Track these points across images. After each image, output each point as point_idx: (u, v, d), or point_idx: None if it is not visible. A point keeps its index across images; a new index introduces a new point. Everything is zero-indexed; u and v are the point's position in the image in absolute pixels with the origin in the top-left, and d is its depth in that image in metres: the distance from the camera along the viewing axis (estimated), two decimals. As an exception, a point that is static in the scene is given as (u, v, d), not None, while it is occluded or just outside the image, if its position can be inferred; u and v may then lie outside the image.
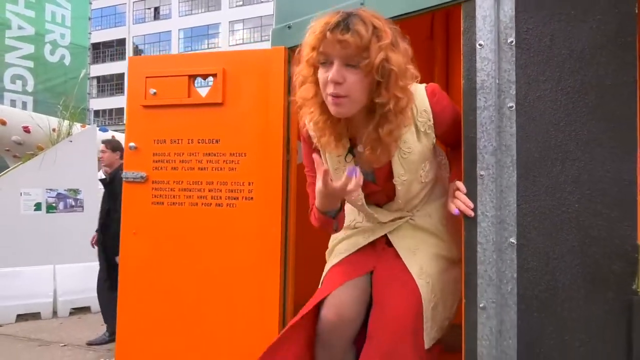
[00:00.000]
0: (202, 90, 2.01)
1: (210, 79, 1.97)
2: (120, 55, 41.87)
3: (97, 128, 8.02)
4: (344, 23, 1.15)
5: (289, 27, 1.89)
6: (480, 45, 1.37)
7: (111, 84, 42.02)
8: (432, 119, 1.34)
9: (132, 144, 2.01)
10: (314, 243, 2.56)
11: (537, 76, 1.35)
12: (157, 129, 2.00)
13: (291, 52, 1.90)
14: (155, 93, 1.98)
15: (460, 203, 1.35)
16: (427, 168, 1.41)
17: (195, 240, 1.96)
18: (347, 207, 1.55)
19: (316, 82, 1.23)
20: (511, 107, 1.34)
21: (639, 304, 1.33)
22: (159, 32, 40.87)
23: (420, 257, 1.44)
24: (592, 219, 1.35)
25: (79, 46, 12.32)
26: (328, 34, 1.14)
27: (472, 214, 1.33)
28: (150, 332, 2.00)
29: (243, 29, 38.28)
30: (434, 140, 1.40)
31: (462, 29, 1.41)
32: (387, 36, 1.18)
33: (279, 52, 1.87)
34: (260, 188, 1.89)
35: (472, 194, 1.38)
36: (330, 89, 1.17)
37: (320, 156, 1.34)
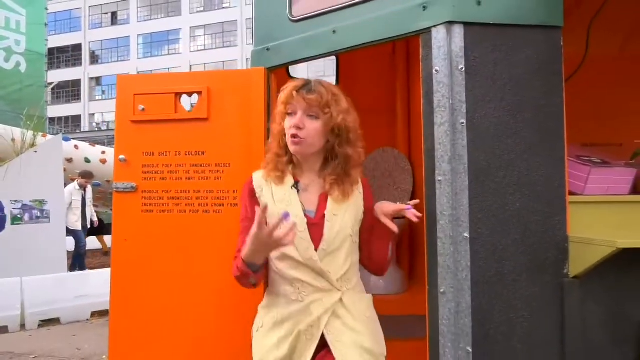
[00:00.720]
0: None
1: (195, 96, 2.15)
2: (76, 61, 40.67)
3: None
4: (308, 85, 1.47)
5: (268, 50, 2.09)
6: (436, 71, 1.62)
7: (67, 91, 40.74)
8: (362, 194, 1.58)
9: (122, 156, 2.15)
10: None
11: (483, 97, 1.61)
12: (145, 142, 2.15)
13: (269, 72, 2.10)
14: (143, 109, 2.14)
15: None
16: (356, 229, 1.53)
17: (184, 244, 2.12)
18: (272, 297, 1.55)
19: (281, 131, 1.52)
20: (462, 123, 1.59)
21: (569, 285, 1.61)
22: (117, 38, 39.95)
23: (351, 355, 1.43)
24: (531, 216, 1.62)
25: (36, 53, 11.99)
26: (294, 93, 1.46)
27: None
28: (142, 336, 2.13)
29: (204, 34, 37.97)
30: (362, 214, 1.55)
31: (420, 56, 1.66)
32: (344, 103, 1.50)
33: (259, 72, 2.07)
34: (244, 195, 2.07)
35: (431, 197, 1.62)
36: (292, 131, 1.45)
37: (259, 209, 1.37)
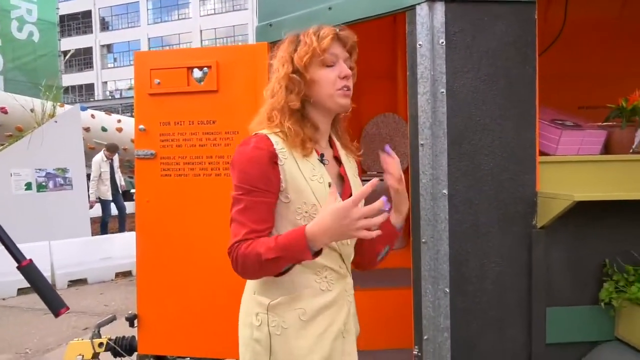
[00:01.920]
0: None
1: (205, 70, 2.36)
2: (86, 29, 40.62)
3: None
4: (344, 32, 1.31)
5: (270, 25, 2.28)
6: (419, 45, 1.80)
7: (79, 59, 40.89)
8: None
9: (141, 126, 2.39)
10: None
11: (461, 68, 1.79)
12: (162, 113, 2.38)
13: (273, 46, 2.29)
14: (159, 83, 2.36)
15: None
16: None
17: (199, 204, 2.37)
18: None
19: (296, 89, 1.27)
20: (442, 92, 1.79)
21: (536, 234, 1.83)
22: (127, 4, 39.66)
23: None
24: (503, 174, 1.83)
25: (47, 22, 12.14)
26: (341, 34, 1.30)
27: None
28: (166, 288, 2.42)
29: (214, -3, 37.50)
30: None
31: (406, 32, 1.84)
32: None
33: (263, 47, 2.26)
34: (251, 160, 2.31)
35: (414, 158, 1.83)
36: (342, 83, 1.27)
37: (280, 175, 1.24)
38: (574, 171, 1.91)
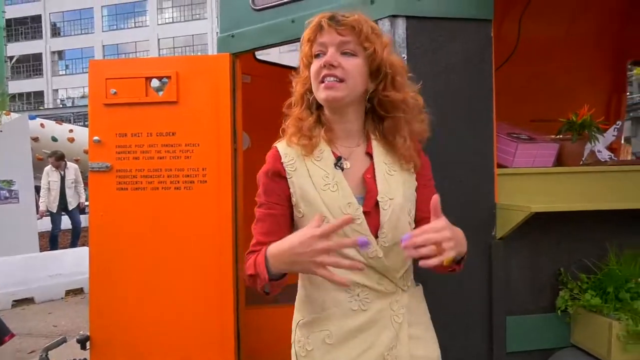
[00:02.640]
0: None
1: (165, 80, 2.30)
2: (36, 34, 39.03)
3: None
4: (338, 15, 1.13)
5: (232, 36, 2.25)
6: (382, 59, 1.82)
7: (27, 65, 39.17)
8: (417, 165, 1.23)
9: (96, 137, 2.30)
10: (252, 216, 2.97)
11: (423, 82, 1.82)
12: (118, 124, 2.30)
13: (234, 57, 2.27)
14: (115, 93, 2.28)
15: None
16: (412, 213, 1.19)
17: (157, 219, 2.30)
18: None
19: (305, 86, 1.17)
20: (405, 106, 1.81)
21: (496, 245, 1.87)
22: (80, 9, 38.43)
23: None
24: (465, 187, 1.87)
25: (-8, 26, 11.60)
26: (324, 21, 1.11)
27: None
28: (121, 307, 2.32)
29: (172, 7, 36.92)
30: (415, 184, 1.23)
31: (368, 46, 1.85)
32: (387, 37, 1.18)
33: (225, 58, 2.23)
34: (212, 172, 2.26)
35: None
36: (323, 72, 1.10)
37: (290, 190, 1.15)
38: (529, 183, 1.98)
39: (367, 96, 1.17)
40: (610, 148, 3.75)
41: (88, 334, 2.34)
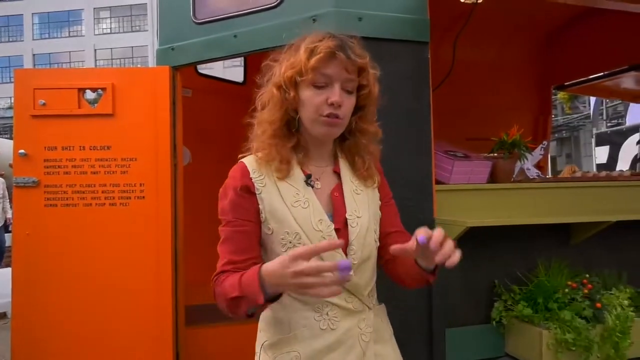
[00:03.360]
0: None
1: (100, 92, 2.20)
2: (-42, 40, 36.33)
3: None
4: (344, 45, 1.10)
5: (172, 49, 2.20)
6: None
7: (-53, 73, 36.26)
8: (376, 183, 1.25)
9: (22, 151, 2.15)
10: (200, 233, 2.88)
11: (364, 100, 1.87)
12: (47, 137, 2.16)
13: (175, 70, 2.21)
14: (44, 104, 2.14)
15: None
16: (377, 231, 1.21)
17: (91, 236, 2.17)
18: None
19: (281, 104, 1.13)
20: (347, 123, 1.83)
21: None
22: (8, 16, 36.22)
23: None
24: (405, 202, 1.90)
25: None
26: (338, 54, 1.08)
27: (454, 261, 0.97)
28: (46, 334, 2.16)
29: (111, 17, 35.70)
30: (379, 203, 1.25)
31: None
32: (375, 70, 1.19)
33: (164, 70, 2.17)
34: (151, 188, 2.18)
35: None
36: (326, 110, 1.09)
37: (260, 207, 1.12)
38: (466, 198, 2.06)
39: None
40: (537, 166, 4.02)
41: (8, 362, 2.16)
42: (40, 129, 2.17)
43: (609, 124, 15.77)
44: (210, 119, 3.10)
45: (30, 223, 2.17)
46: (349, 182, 1.19)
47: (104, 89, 2.17)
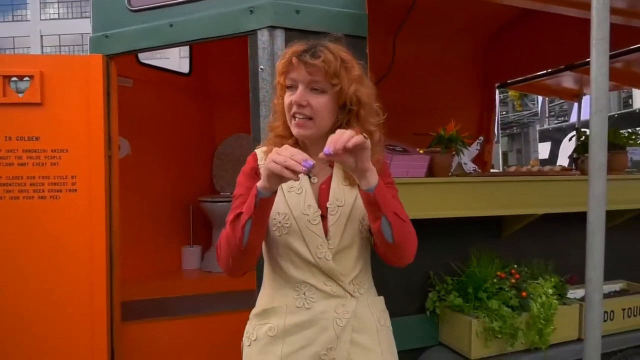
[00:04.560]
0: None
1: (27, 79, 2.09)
2: None
3: None
4: (312, 50, 1.17)
5: (106, 37, 2.12)
6: (261, 69, 1.82)
7: None
8: None
9: (-60, 141, 2.02)
10: (136, 228, 2.82)
11: (301, 94, 1.86)
12: (-31, 126, 2.04)
13: (109, 59, 2.13)
14: (-35, 91, 2.02)
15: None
16: (365, 222, 1.25)
17: (19, 231, 2.07)
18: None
19: (281, 112, 1.25)
20: (284, 116, 1.83)
21: (373, 252, 1.95)
22: (-56, -3, 33.84)
23: None
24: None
25: None
26: (294, 59, 1.16)
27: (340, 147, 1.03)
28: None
29: (58, 1, 34.01)
30: None
31: (248, 55, 1.85)
32: (356, 70, 1.22)
33: (97, 59, 2.08)
34: (83, 181, 2.09)
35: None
36: (294, 110, 1.19)
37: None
38: (403, 192, 2.09)
39: (337, 125, 1.23)
40: (479, 161, 4.15)
41: None
42: (-39, 118, 2.04)
43: (556, 122, 16.54)
44: (152, 110, 3.02)
45: (-49, 218, 2.04)
46: (339, 173, 1.26)
47: (31, 77, 2.06)
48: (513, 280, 1.97)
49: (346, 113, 1.23)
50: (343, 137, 1.02)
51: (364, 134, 1.10)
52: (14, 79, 2.10)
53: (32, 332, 2.06)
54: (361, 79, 1.24)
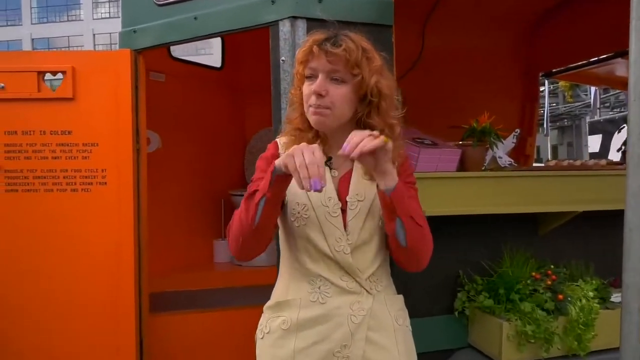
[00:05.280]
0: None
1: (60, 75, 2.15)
2: (-44, 24, 36.04)
3: None
4: (333, 39, 1.14)
5: (134, 32, 2.14)
6: (282, 60, 1.79)
7: (-54, 57, 36.04)
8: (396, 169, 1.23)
9: (-19, 135, 2.11)
10: (168, 220, 2.86)
11: (324, 86, 1.81)
12: (7, 121, 2.12)
13: (137, 54, 2.16)
14: (3, 87, 2.10)
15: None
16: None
17: (53, 222, 2.14)
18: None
19: (301, 99, 1.21)
20: (305, 108, 1.79)
21: (396, 248, 1.89)
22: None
23: None
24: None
25: None
26: (315, 48, 1.13)
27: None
28: (10, 318, 2.14)
29: (109, 1, 35.35)
30: None
31: (270, 47, 1.82)
32: (377, 60, 1.18)
33: (125, 54, 2.11)
34: (113, 174, 2.14)
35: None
36: (312, 100, 1.15)
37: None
38: (431, 187, 2.01)
39: (358, 117, 1.20)
40: (520, 155, 3.95)
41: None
42: (0, 112, 2.13)
43: (610, 113, 15.62)
44: (184, 104, 3.05)
45: (-9, 208, 2.14)
46: (360, 167, 1.22)
47: (63, 73, 2.12)
48: (549, 282, 1.85)
49: (366, 105, 1.18)
50: (362, 142, 1.00)
51: (385, 135, 1.07)
52: (48, 75, 2.16)
53: (60, 321, 2.13)
54: (382, 70, 1.20)
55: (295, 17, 1.77)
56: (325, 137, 1.24)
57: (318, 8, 1.77)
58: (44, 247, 2.14)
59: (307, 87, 1.17)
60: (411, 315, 1.93)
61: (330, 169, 1.23)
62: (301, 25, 1.77)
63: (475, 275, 1.97)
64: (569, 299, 1.83)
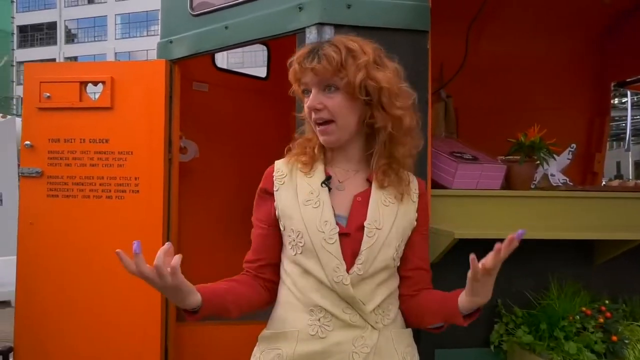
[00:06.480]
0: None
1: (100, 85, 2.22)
2: (50, 39, 39.69)
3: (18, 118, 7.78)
4: (314, 52, 1.11)
5: (171, 42, 2.17)
6: (308, 69, 1.71)
7: (42, 70, 39.72)
8: (416, 204, 1.20)
9: (27, 142, 2.21)
10: (193, 230, 2.85)
11: (350, 95, 1.72)
12: (51, 129, 2.21)
13: (172, 64, 2.18)
14: (49, 97, 2.20)
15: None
16: (400, 249, 1.16)
17: (88, 228, 2.20)
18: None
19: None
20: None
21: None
22: (94, 17, 39.09)
23: None
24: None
25: (1, 31, 11.72)
26: (297, 65, 1.13)
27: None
28: (49, 321, 2.21)
29: (184, 17, 37.38)
30: (414, 224, 1.19)
31: (296, 55, 1.75)
32: (366, 55, 1.11)
33: (160, 64, 2.14)
34: (145, 182, 2.16)
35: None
36: (313, 115, 1.13)
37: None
38: (472, 206, 1.85)
39: (364, 122, 1.15)
40: (587, 172, 3.60)
41: (11, 344, 2.24)
42: (45, 121, 2.23)
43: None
44: (227, 114, 3.06)
45: (34, 212, 2.23)
46: (379, 191, 1.16)
47: (103, 83, 2.18)
48: (601, 320, 1.62)
49: (365, 104, 1.12)
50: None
51: (391, 130, 1.12)
52: (90, 85, 2.23)
53: (96, 321, 2.17)
54: (373, 63, 1.12)
55: (322, 24, 1.69)
56: (331, 152, 1.20)
57: (347, 13, 1.69)
58: (80, 252, 2.20)
59: (306, 104, 1.15)
60: (440, 346, 1.78)
61: (329, 188, 1.15)
62: (328, 31, 1.69)
63: (515, 307, 1.77)
64: (626, 341, 1.59)
